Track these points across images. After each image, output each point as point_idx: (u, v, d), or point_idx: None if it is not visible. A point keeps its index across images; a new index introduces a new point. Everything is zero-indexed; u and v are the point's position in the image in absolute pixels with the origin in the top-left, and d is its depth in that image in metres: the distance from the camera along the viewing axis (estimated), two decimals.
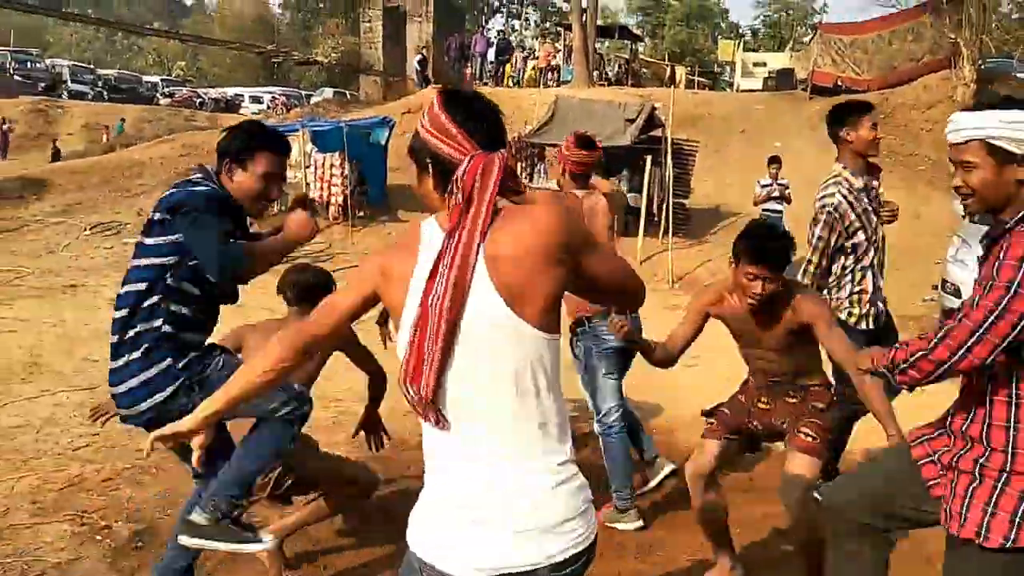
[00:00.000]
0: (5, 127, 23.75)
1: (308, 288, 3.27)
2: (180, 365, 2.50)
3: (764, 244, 2.85)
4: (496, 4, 52.15)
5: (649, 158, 12.22)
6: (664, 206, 12.26)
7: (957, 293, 8.34)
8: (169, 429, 1.84)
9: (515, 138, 13.61)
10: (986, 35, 16.69)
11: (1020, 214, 1.92)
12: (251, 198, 2.62)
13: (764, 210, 10.40)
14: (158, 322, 2.50)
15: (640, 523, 3.79)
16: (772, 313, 2.97)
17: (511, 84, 24.35)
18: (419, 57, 25.79)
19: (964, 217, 8.98)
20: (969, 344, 1.87)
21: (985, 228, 2.36)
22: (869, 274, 3.63)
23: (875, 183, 3.69)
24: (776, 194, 10.38)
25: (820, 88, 19.21)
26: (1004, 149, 1.88)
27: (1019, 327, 1.84)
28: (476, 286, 1.48)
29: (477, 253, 1.48)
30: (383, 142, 15.11)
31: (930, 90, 17.50)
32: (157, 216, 2.53)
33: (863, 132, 3.56)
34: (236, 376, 1.79)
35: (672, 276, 11.51)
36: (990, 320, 1.84)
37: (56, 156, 22.28)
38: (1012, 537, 1.89)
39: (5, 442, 4.63)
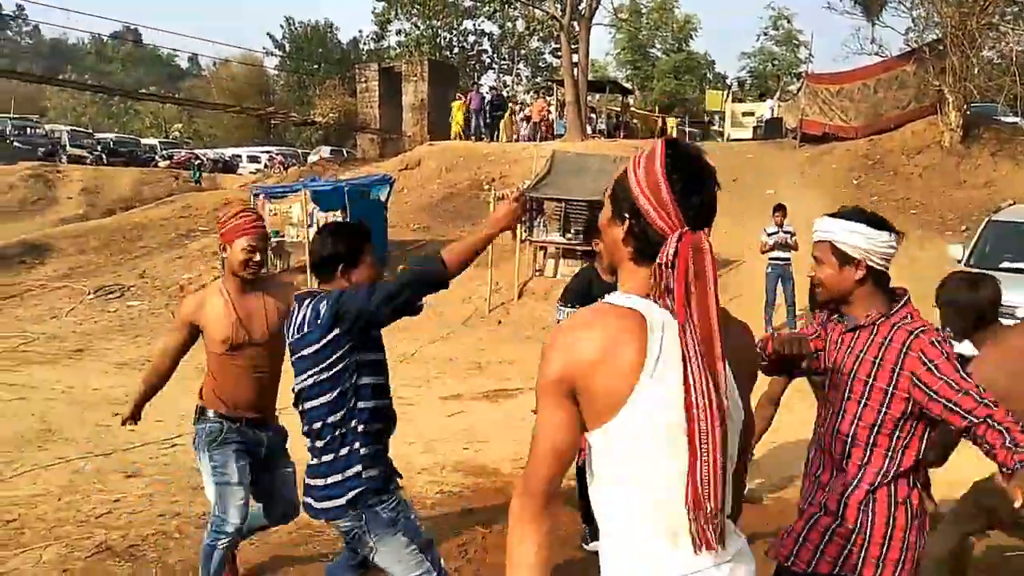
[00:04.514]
0: None
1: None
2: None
3: None
4: (488, 61, 53.16)
5: None
6: None
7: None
8: None
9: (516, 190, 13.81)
10: (969, 81, 17.03)
11: (892, 310, 2.26)
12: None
13: (771, 259, 10.23)
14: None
15: None
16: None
17: (506, 139, 24.80)
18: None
19: (960, 262, 9.13)
20: None
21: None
22: None
23: None
24: (783, 242, 10.09)
25: (809, 136, 19.64)
26: (844, 252, 2.25)
27: None
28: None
29: (724, 355, 1.42)
30: (383, 199, 15.34)
31: (917, 135, 17.83)
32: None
33: None
34: None
35: None
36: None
37: None
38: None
39: (28, 511, 4.65)
